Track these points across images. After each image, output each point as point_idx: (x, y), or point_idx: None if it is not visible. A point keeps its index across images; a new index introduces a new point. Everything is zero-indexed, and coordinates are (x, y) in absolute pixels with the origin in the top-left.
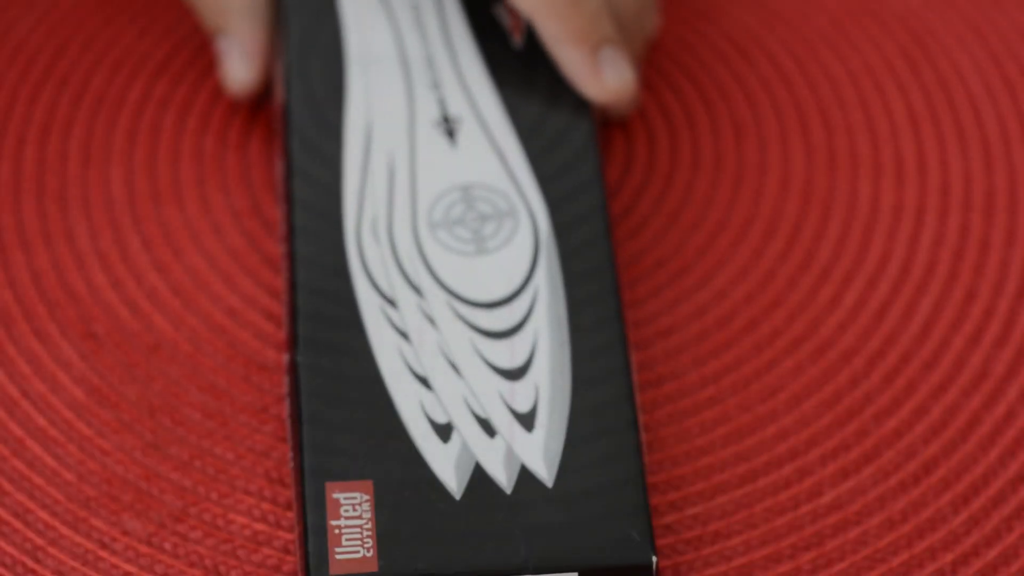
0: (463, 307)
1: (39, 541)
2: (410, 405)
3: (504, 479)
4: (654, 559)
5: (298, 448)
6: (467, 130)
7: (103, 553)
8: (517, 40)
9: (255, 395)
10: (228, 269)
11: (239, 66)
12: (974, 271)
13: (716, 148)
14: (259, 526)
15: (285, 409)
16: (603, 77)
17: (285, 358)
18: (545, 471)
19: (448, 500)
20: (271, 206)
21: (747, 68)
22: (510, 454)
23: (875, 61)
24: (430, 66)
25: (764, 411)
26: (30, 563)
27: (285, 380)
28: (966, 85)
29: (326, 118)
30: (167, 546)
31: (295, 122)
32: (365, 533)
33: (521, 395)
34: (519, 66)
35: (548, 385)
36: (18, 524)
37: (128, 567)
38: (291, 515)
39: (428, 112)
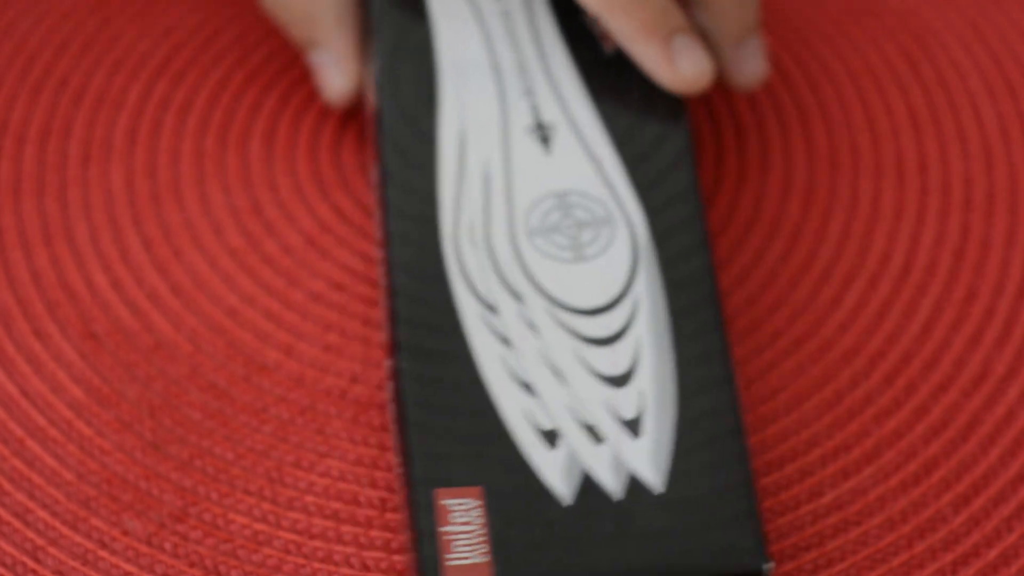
0: (564, 314)
1: (39, 541)
2: (514, 411)
3: (613, 485)
4: (766, 566)
5: (405, 454)
6: (561, 137)
7: (103, 553)
8: (608, 47)
9: (255, 395)
10: (228, 269)
11: (336, 77)
12: (974, 271)
13: (718, 148)
14: (259, 526)
15: (285, 411)
16: (678, 67)
17: (387, 364)
18: (654, 477)
19: (558, 506)
20: (271, 206)
21: None
22: (618, 461)
23: (876, 61)
24: (522, 73)
25: (765, 411)
26: (30, 563)
27: (388, 385)
28: (966, 85)
29: (419, 125)
30: (167, 546)
31: (388, 129)
32: (477, 539)
33: (625, 402)
34: (611, 73)
35: (653, 392)
36: (18, 524)
37: (128, 567)
38: (292, 515)
39: (521, 119)
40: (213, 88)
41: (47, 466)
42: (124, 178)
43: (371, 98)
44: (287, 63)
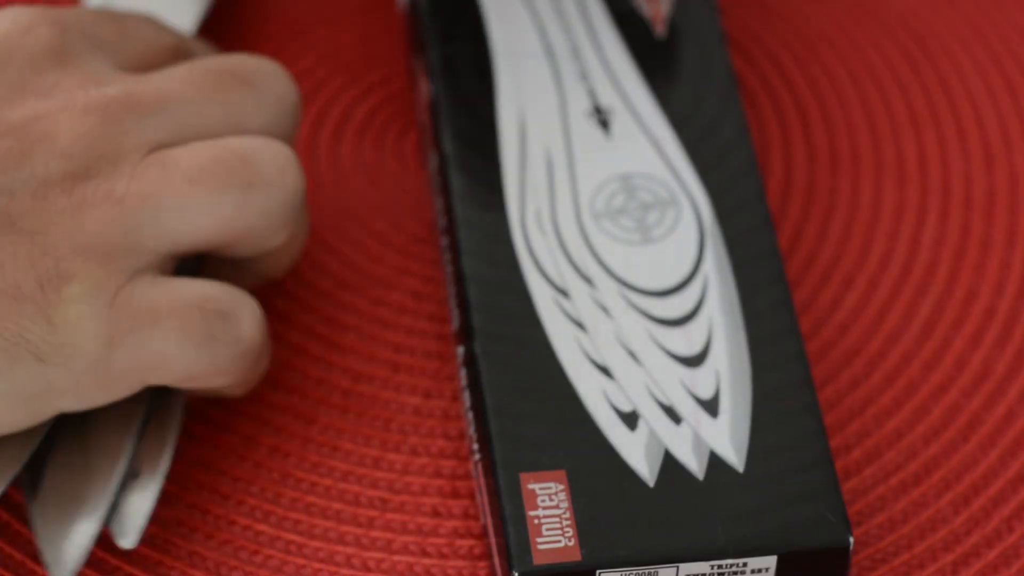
0: (635, 296)
1: None
2: (593, 394)
3: (695, 465)
4: (851, 540)
5: (485, 440)
6: (620, 120)
7: (103, 553)
8: (660, 30)
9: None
10: None
11: None
12: (975, 271)
13: None
14: (261, 527)
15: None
16: None
17: (459, 351)
18: (734, 456)
19: (642, 487)
20: None
21: (747, 68)
22: (698, 440)
23: (876, 61)
24: (576, 57)
25: None
26: (30, 563)
27: (462, 373)
28: (967, 85)
29: (477, 111)
30: (168, 547)
31: (447, 115)
32: (564, 522)
33: (702, 381)
34: (664, 56)
35: (728, 371)
36: (19, 524)
37: (129, 567)
38: (293, 515)
39: (579, 103)
40: None
41: None
42: None
43: (424, 86)
44: (287, 62)
